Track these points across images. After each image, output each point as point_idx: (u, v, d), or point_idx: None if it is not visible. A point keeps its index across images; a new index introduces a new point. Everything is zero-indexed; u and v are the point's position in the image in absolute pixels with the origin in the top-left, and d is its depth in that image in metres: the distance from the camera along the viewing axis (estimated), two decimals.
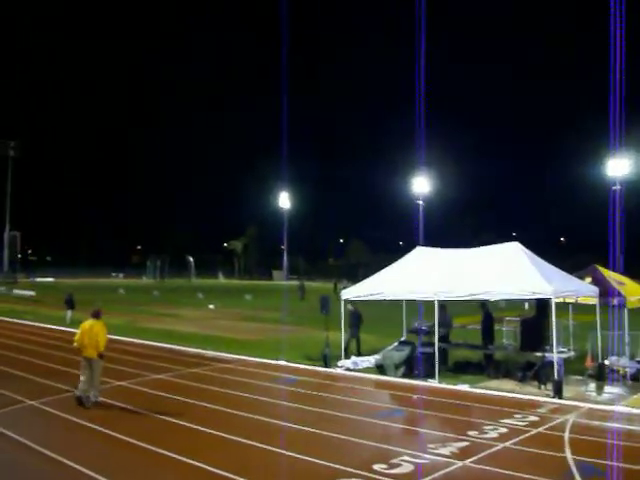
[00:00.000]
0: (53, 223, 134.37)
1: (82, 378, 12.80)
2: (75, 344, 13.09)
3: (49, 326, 28.54)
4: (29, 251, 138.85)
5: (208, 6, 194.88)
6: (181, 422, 11.46)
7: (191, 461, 9.18)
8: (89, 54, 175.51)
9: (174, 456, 9.43)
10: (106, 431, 10.83)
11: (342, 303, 18.54)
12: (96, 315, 13.28)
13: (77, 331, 13.22)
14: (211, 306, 42.83)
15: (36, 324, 29.43)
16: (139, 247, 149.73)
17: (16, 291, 55.73)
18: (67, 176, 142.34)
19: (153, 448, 9.83)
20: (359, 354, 19.47)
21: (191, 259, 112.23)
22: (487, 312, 17.99)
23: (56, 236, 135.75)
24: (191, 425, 11.26)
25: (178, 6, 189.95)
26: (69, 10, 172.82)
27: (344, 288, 20.16)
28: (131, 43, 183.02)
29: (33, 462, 9.39)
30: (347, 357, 18.58)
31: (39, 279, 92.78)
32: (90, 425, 11.23)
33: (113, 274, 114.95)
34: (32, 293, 52.85)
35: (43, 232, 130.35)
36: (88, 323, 13.11)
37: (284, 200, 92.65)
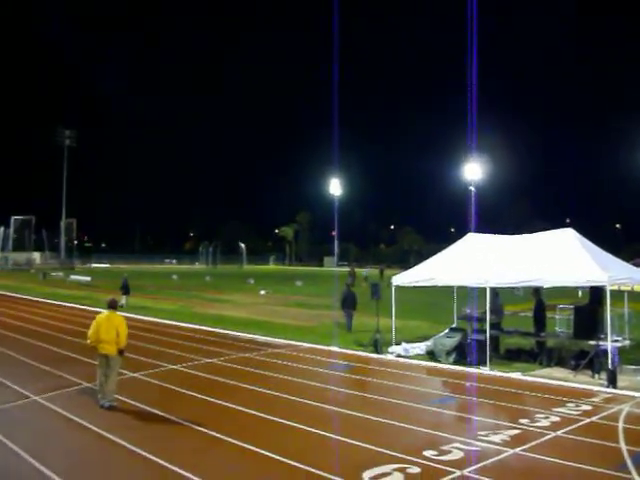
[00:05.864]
0: (108, 210, 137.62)
1: (100, 380, 11.46)
2: (89, 340, 11.51)
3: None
4: (85, 238, 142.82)
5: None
6: (233, 405, 11.68)
7: (241, 443, 9.36)
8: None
9: (226, 439, 9.64)
10: (161, 414, 11.11)
11: (392, 289, 18.53)
12: (112, 305, 11.81)
13: (91, 325, 11.65)
14: (262, 292, 43.28)
15: (94, 309, 30.20)
16: (192, 234, 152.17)
17: (73, 277, 57.26)
18: (122, 164, 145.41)
19: (206, 431, 10.06)
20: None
21: (243, 245, 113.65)
22: (539, 299, 17.72)
23: (111, 223, 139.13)
24: (242, 408, 11.46)
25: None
26: None
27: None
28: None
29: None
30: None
31: (95, 265, 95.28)
32: (145, 408, 11.54)
33: (167, 260, 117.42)
34: (88, 279, 54.24)
35: (99, 219, 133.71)
36: (104, 315, 11.64)
37: (335, 186, 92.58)
